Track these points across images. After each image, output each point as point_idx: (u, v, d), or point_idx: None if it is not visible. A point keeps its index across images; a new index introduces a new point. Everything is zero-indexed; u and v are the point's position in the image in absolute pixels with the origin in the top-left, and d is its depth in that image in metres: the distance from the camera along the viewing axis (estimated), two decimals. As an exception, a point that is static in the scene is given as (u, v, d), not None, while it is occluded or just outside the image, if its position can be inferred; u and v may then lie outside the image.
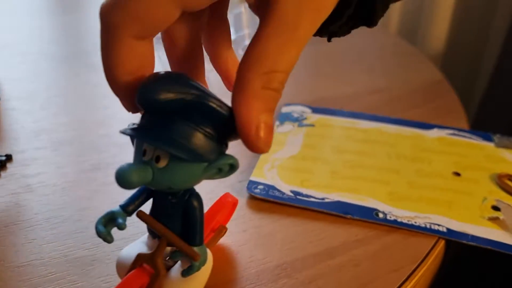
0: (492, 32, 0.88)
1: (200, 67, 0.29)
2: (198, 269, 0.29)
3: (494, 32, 0.87)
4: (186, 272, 0.29)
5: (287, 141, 0.48)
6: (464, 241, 0.38)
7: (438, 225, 0.39)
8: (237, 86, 0.24)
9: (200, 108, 0.24)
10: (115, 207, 0.29)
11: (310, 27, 0.24)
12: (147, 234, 0.31)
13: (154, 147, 0.25)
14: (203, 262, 0.29)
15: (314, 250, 0.37)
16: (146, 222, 0.29)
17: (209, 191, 0.42)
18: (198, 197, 0.29)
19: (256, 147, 0.24)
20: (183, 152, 0.24)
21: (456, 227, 0.39)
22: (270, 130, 0.24)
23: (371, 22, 0.27)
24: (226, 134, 0.26)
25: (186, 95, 0.24)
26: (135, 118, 0.27)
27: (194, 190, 0.29)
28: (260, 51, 0.23)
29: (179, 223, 0.28)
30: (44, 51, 0.66)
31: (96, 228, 0.28)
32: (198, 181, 0.27)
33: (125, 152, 0.47)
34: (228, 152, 0.27)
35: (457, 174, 0.45)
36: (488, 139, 0.50)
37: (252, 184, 0.42)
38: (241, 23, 0.59)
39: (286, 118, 0.52)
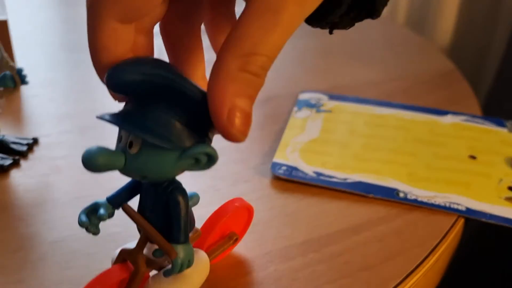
0: (499, 22, 0.90)
1: (198, 64, 0.28)
2: (181, 269, 0.27)
3: (502, 22, 0.89)
4: (167, 272, 0.27)
5: (306, 126, 0.49)
6: (483, 219, 0.40)
7: (457, 204, 0.41)
8: (213, 68, 0.22)
9: (172, 92, 0.23)
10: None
11: (296, 11, 0.22)
12: None
13: (128, 133, 0.25)
14: (187, 263, 0.27)
15: (339, 227, 0.39)
16: (129, 216, 0.27)
17: (234, 172, 0.44)
18: (182, 191, 0.27)
19: (228, 133, 0.22)
20: (152, 136, 0.23)
21: (474, 206, 0.41)
22: (246, 118, 0.22)
23: (373, 12, 0.26)
24: (203, 122, 0.24)
25: (155, 78, 0.23)
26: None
27: (178, 183, 0.27)
28: (240, 33, 0.22)
29: (162, 218, 0.27)
30: (61, 41, 0.67)
31: (79, 217, 0.28)
32: (174, 170, 0.25)
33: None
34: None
35: (473, 157, 0.47)
36: (501, 124, 0.52)
37: (275, 166, 0.43)
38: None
39: (303, 104, 0.53)
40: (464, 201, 0.41)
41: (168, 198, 0.26)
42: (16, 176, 0.42)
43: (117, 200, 0.28)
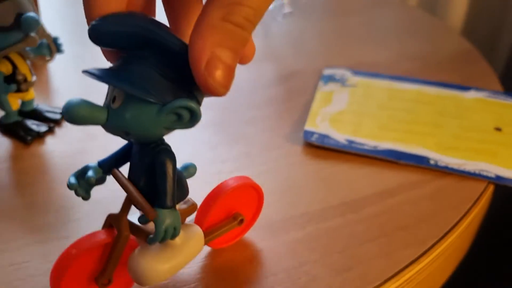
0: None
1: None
2: (165, 236, 0.25)
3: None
4: (151, 239, 0.25)
5: (333, 98, 0.50)
6: (512, 185, 0.40)
7: (487, 171, 0.41)
8: (197, 19, 0.22)
9: (154, 44, 0.23)
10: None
11: None
12: None
13: (112, 88, 0.24)
14: (172, 230, 0.25)
15: (373, 191, 0.39)
16: (115, 179, 0.26)
17: (266, 140, 0.44)
18: (169, 153, 0.25)
19: (206, 84, 0.21)
20: (131, 87, 0.22)
21: (503, 174, 0.41)
22: (227, 70, 0.21)
23: None
24: (188, 79, 0.22)
25: (136, 29, 0.23)
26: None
27: (166, 145, 0.26)
28: None
29: (149, 181, 0.26)
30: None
31: (68, 180, 0.27)
32: (156, 127, 0.24)
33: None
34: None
35: (498, 129, 0.47)
36: (523, 100, 0.53)
37: (307, 133, 0.44)
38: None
39: (329, 79, 0.53)
40: (492, 169, 0.42)
41: (154, 159, 0.25)
42: (52, 143, 0.43)
43: (108, 164, 0.28)
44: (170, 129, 0.24)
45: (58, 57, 0.45)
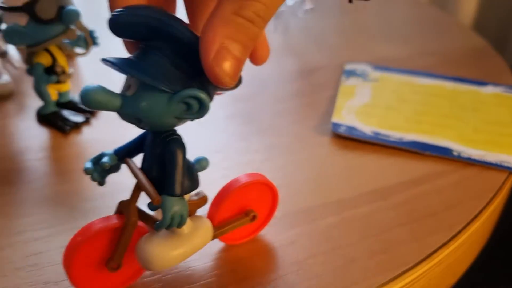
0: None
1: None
2: (171, 223, 0.26)
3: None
4: (158, 225, 0.26)
5: (356, 92, 0.51)
6: (533, 176, 0.42)
7: (507, 162, 0.43)
8: (210, 13, 0.22)
9: (168, 35, 0.24)
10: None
11: None
12: None
13: (128, 77, 0.25)
14: (179, 218, 0.26)
15: (401, 180, 0.41)
16: (128, 167, 0.28)
17: (294, 132, 0.46)
18: (178, 142, 0.26)
19: (213, 73, 0.22)
20: (143, 74, 0.23)
21: (523, 165, 0.43)
22: (235, 62, 0.22)
23: None
24: (199, 71, 0.23)
25: (151, 20, 0.24)
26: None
27: (178, 135, 0.26)
28: None
29: (159, 169, 0.27)
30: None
31: (84, 165, 0.29)
32: (166, 115, 0.25)
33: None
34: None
35: (516, 122, 0.49)
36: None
37: (336, 125, 0.45)
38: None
39: (350, 74, 0.55)
40: (513, 160, 0.43)
41: (165, 148, 0.26)
42: (88, 132, 0.44)
43: (123, 153, 0.29)
44: (180, 119, 0.25)
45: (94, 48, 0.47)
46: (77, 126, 0.44)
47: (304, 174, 0.41)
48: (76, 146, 0.43)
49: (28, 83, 0.52)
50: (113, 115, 0.47)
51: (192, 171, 0.28)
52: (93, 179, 0.29)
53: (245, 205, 0.33)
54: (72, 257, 0.27)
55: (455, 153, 0.43)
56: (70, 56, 0.48)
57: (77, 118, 0.45)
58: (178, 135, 0.26)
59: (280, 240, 0.34)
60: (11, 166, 0.40)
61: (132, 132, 0.44)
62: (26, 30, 0.40)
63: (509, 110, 0.51)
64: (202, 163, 0.30)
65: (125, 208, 0.28)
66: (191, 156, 0.29)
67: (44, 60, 0.42)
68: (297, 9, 0.63)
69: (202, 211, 0.31)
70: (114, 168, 0.29)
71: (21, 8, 0.39)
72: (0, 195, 0.37)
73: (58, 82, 0.43)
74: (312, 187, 0.40)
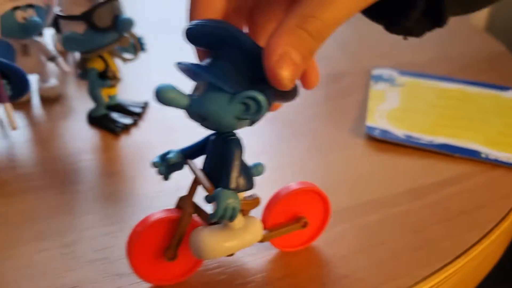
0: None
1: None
2: (224, 215, 0.28)
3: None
4: (211, 216, 0.28)
5: (386, 96, 0.54)
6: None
7: (533, 164, 0.46)
8: (277, 25, 0.25)
9: (234, 44, 0.27)
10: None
11: None
12: None
13: (197, 80, 0.28)
14: (231, 211, 0.28)
15: (433, 180, 0.43)
16: (188, 165, 0.31)
17: (330, 134, 0.49)
18: (237, 141, 0.29)
19: (274, 75, 0.25)
20: (210, 75, 0.26)
21: (547, 166, 0.46)
22: (294, 68, 0.25)
23: (440, 20, 0.28)
24: (260, 78, 0.26)
25: (220, 31, 0.27)
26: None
27: (238, 137, 0.29)
28: (304, 2, 0.25)
29: (217, 165, 0.29)
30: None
31: (153, 160, 0.32)
32: (228, 115, 0.27)
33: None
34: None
35: (538, 126, 0.52)
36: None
37: (370, 128, 0.48)
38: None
39: (378, 79, 0.58)
40: (538, 162, 0.46)
41: (224, 146, 0.29)
42: (137, 134, 0.47)
43: (188, 152, 0.31)
44: (240, 119, 0.27)
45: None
46: (126, 128, 0.47)
47: (342, 174, 0.43)
48: (126, 147, 0.45)
49: (74, 86, 0.54)
50: (159, 117, 0.50)
51: (248, 172, 0.31)
52: (160, 173, 0.32)
53: (297, 212, 0.35)
54: (133, 245, 0.30)
55: (483, 155, 0.46)
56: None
57: (126, 120, 0.47)
58: (238, 136, 0.29)
59: (327, 237, 0.37)
60: (69, 167, 0.43)
61: (178, 134, 0.47)
62: (84, 37, 0.42)
63: (531, 114, 0.53)
64: (258, 168, 0.32)
65: (183, 201, 0.31)
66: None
67: (98, 65, 0.45)
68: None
69: (256, 215, 0.33)
70: (178, 166, 0.32)
71: (80, 17, 0.42)
72: (62, 194, 0.40)
73: (110, 86, 0.46)
74: (351, 187, 0.42)
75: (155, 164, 0.32)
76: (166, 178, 0.32)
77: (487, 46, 0.71)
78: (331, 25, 0.25)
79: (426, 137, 0.48)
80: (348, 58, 0.64)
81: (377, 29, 0.29)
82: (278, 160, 0.45)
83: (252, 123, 0.28)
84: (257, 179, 0.31)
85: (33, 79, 0.51)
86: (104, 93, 0.47)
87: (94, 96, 0.45)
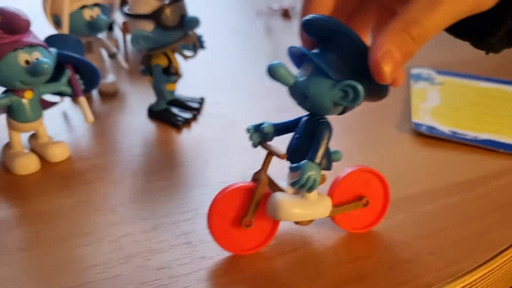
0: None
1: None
2: (306, 183, 0.31)
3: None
4: (294, 183, 0.32)
5: (427, 95, 0.56)
6: None
7: None
8: (383, 28, 0.28)
9: (343, 38, 0.30)
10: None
11: (450, 5, 0.28)
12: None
13: (305, 65, 0.31)
14: (312, 181, 0.31)
15: (480, 174, 0.46)
16: (262, 144, 0.35)
17: (378, 130, 0.51)
18: (328, 124, 0.33)
19: (378, 68, 0.28)
20: (321, 62, 0.30)
21: None
22: (395, 64, 0.28)
23: None
24: (361, 70, 0.29)
25: (333, 25, 0.30)
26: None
27: (327, 120, 0.33)
28: (408, 8, 0.28)
29: (305, 142, 0.33)
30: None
31: (248, 127, 0.35)
32: (327, 99, 0.30)
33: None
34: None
35: None
36: None
37: (417, 125, 0.51)
38: None
39: (418, 78, 0.60)
40: None
41: (316, 126, 0.32)
42: (196, 128, 0.50)
43: (279, 127, 0.35)
44: (336, 104, 0.31)
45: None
46: (187, 122, 0.49)
47: (394, 167, 0.46)
48: (187, 140, 0.48)
49: (128, 82, 0.57)
50: (215, 112, 0.52)
51: (330, 155, 0.34)
52: (251, 139, 0.35)
53: (360, 193, 0.38)
54: (212, 211, 0.34)
55: (525, 151, 0.49)
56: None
57: (186, 114, 0.50)
58: (328, 120, 0.33)
59: (388, 224, 0.39)
60: (136, 158, 0.45)
61: (237, 129, 0.50)
62: (152, 35, 0.45)
63: None
64: (337, 155, 0.35)
65: (258, 173, 0.34)
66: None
67: (162, 62, 0.47)
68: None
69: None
70: (269, 136, 0.35)
71: (149, 16, 0.44)
72: (134, 184, 0.42)
73: (173, 82, 0.48)
74: (404, 179, 0.45)
75: (249, 131, 0.35)
76: (255, 145, 0.35)
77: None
78: (431, 31, 0.28)
79: (471, 133, 0.50)
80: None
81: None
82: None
83: (342, 112, 0.32)
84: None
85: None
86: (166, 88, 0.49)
87: (159, 91, 0.47)
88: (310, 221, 0.36)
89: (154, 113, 0.50)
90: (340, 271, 0.35)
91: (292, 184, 0.32)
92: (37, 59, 0.38)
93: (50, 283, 0.33)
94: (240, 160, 0.45)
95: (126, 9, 0.46)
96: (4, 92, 0.41)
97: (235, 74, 0.63)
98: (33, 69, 0.38)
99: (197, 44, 0.49)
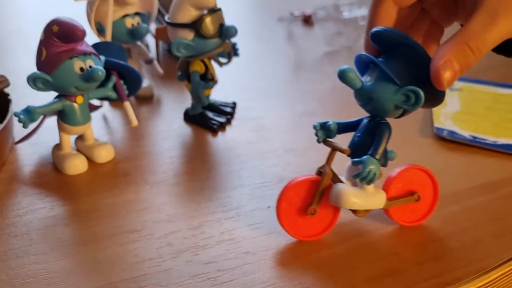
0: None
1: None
2: (367, 176, 0.35)
3: None
4: (357, 175, 0.36)
5: (447, 100, 0.59)
6: None
7: None
8: (445, 41, 0.33)
9: (408, 49, 0.34)
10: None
11: (506, 23, 0.32)
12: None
13: (370, 72, 0.36)
14: (372, 175, 0.35)
15: (502, 177, 0.48)
16: (324, 141, 0.38)
17: (401, 135, 0.54)
18: (388, 125, 0.37)
19: (438, 76, 0.32)
20: (388, 69, 0.34)
21: None
22: (453, 73, 0.32)
23: None
24: (424, 79, 0.33)
25: (400, 38, 0.35)
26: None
27: (387, 121, 0.37)
28: (469, 25, 0.33)
29: (366, 140, 0.37)
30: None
31: (315, 124, 0.39)
32: (391, 102, 0.34)
33: (323, 105, 0.58)
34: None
35: None
36: None
37: (439, 129, 0.53)
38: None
39: (437, 83, 0.63)
40: None
41: (377, 126, 0.37)
42: (231, 132, 0.52)
43: (342, 126, 0.39)
44: (397, 108, 0.35)
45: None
46: (222, 126, 0.52)
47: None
48: (223, 143, 0.51)
49: (163, 86, 0.59)
50: (247, 116, 0.55)
51: (386, 154, 0.38)
52: (317, 135, 0.39)
53: (412, 189, 0.41)
54: (281, 201, 0.38)
55: (542, 155, 0.51)
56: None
57: (221, 118, 0.52)
58: (387, 121, 0.37)
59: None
60: (175, 160, 0.48)
61: (268, 132, 0.52)
62: (193, 43, 0.47)
63: None
64: (392, 154, 0.40)
65: (322, 167, 0.38)
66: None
67: (199, 68, 0.50)
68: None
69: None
70: (332, 134, 0.39)
71: (189, 25, 0.47)
72: (177, 184, 0.45)
73: (210, 87, 0.51)
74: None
75: (315, 128, 0.39)
76: (319, 141, 0.39)
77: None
78: (488, 45, 0.32)
79: (490, 138, 0.53)
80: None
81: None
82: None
83: (400, 115, 0.36)
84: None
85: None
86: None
87: (198, 96, 0.50)
88: (367, 212, 0.39)
89: (190, 117, 0.52)
90: (375, 267, 0.37)
91: (355, 176, 0.36)
92: (90, 66, 0.41)
93: (107, 275, 0.35)
94: (272, 163, 0.48)
95: (166, 18, 0.49)
96: (57, 97, 0.43)
97: (261, 79, 0.65)
98: (88, 76, 0.40)
99: (232, 52, 0.52)
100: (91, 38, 0.49)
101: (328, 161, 0.38)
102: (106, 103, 0.55)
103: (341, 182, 0.38)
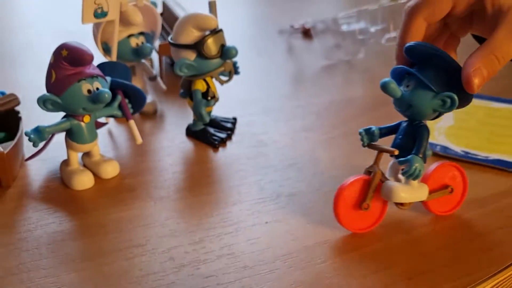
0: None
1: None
2: (413, 173, 0.40)
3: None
4: (405, 172, 0.41)
5: (441, 115, 0.61)
6: None
7: None
8: (474, 52, 0.38)
9: (441, 60, 0.39)
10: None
11: None
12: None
13: (407, 81, 0.40)
14: (418, 172, 0.40)
15: (492, 192, 0.50)
16: (369, 144, 0.43)
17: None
18: (427, 127, 0.42)
19: (469, 81, 0.37)
20: (425, 78, 0.39)
21: None
22: (482, 79, 0.38)
23: None
24: (456, 86, 0.38)
25: (432, 51, 0.39)
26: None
27: (425, 124, 0.42)
28: (494, 37, 0.38)
29: (407, 142, 0.42)
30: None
31: (360, 130, 0.43)
32: (428, 107, 0.39)
33: (320, 119, 0.60)
34: None
35: None
36: None
37: (432, 145, 0.55)
38: (377, 19, 0.73)
39: (432, 98, 0.64)
40: None
41: (417, 129, 0.42)
42: (231, 147, 0.54)
43: (383, 130, 0.44)
44: (434, 111, 0.40)
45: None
46: (223, 141, 0.54)
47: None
48: (224, 158, 0.53)
49: (166, 102, 0.62)
50: (247, 132, 0.57)
51: (425, 152, 0.43)
52: (362, 140, 0.43)
53: (446, 183, 0.46)
54: (337, 199, 0.42)
55: (533, 171, 0.53)
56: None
57: (222, 134, 0.54)
58: (426, 124, 0.42)
59: (408, 237, 0.44)
60: (177, 175, 0.50)
61: (267, 147, 0.54)
62: (195, 63, 0.50)
63: None
64: (429, 152, 0.45)
65: (371, 167, 0.43)
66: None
67: (201, 86, 0.52)
68: (380, 37, 0.72)
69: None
70: (375, 138, 0.44)
71: (191, 46, 0.49)
72: (179, 199, 0.47)
73: (212, 105, 0.53)
74: (422, 196, 0.49)
75: (361, 134, 0.43)
76: (364, 145, 0.44)
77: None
78: (510, 55, 0.38)
79: (482, 153, 0.54)
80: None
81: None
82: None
83: (435, 117, 0.41)
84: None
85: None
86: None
87: (199, 114, 0.52)
88: (410, 204, 0.44)
89: (192, 133, 0.54)
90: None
91: (403, 174, 0.41)
92: (97, 88, 0.43)
93: (114, 289, 0.38)
94: (271, 178, 0.50)
95: (169, 38, 0.51)
96: (65, 116, 0.46)
97: (261, 94, 0.67)
98: (95, 98, 0.42)
99: (232, 71, 0.54)
100: (97, 57, 0.51)
101: (376, 162, 0.43)
102: (111, 119, 0.57)
103: (387, 179, 0.43)
